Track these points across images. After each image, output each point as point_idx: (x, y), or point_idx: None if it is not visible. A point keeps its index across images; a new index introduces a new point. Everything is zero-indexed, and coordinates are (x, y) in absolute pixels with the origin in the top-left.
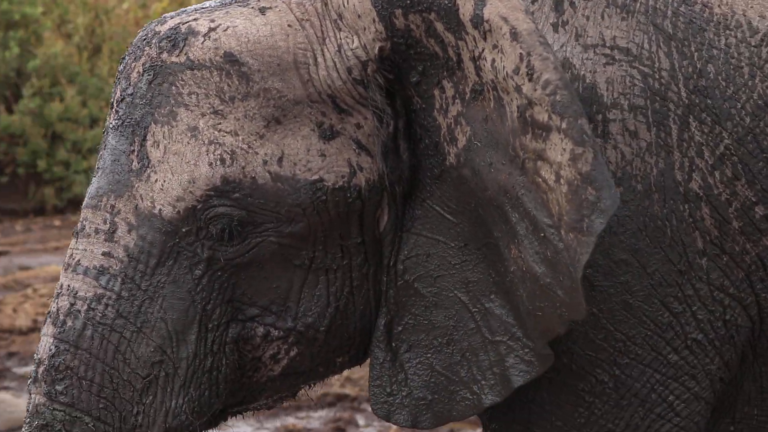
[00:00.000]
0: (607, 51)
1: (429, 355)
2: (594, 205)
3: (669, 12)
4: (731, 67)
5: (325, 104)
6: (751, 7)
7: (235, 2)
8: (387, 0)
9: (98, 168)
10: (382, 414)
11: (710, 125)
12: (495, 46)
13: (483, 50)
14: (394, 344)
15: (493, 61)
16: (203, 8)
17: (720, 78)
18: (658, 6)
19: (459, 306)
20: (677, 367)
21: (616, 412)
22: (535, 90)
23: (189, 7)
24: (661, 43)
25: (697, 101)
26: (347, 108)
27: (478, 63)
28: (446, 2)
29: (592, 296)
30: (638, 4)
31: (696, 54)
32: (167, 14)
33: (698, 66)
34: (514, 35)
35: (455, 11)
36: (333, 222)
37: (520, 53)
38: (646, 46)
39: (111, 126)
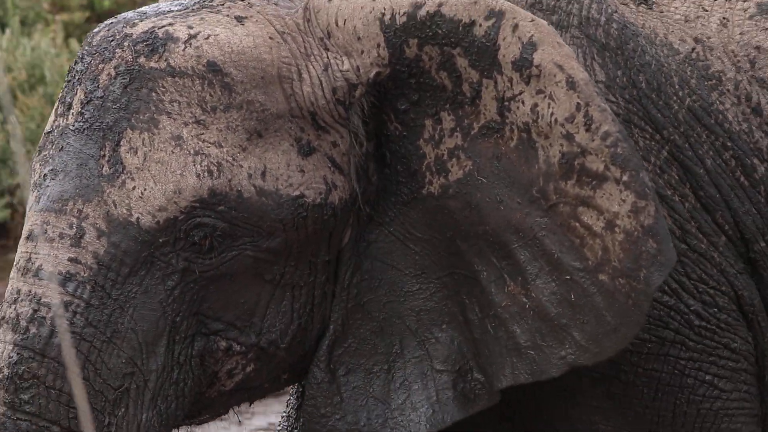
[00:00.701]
0: None
1: (367, 379)
2: (654, 258)
3: (602, 19)
4: (662, 75)
5: (305, 120)
6: (672, 32)
7: (203, 7)
8: (402, 28)
9: (56, 170)
10: None
11: (651, 132)
12: (540, 92)
13: (520, 93)
14: (332, 366)
15: (535, 105)
16: (171, 12)
17: (652, 87)
18: (591, 15)
19: (406, 333)
20: (700, 351)
21: (657, 405)
22: (593, 140)
23: (148, 8)
24: (596, 55)
25: (634, 110)
26: (325, 126)
27: (505, 104)
28: (482, 41)
29: None
30: (571, 17)
31: (628, 62)
32: (127, 15)
33: (631, 75)
34: (572, 84)
35: (494, 51)
36: (309, 238)
37: (578, 103)
38: (580, 58)
39: (73, 128)
